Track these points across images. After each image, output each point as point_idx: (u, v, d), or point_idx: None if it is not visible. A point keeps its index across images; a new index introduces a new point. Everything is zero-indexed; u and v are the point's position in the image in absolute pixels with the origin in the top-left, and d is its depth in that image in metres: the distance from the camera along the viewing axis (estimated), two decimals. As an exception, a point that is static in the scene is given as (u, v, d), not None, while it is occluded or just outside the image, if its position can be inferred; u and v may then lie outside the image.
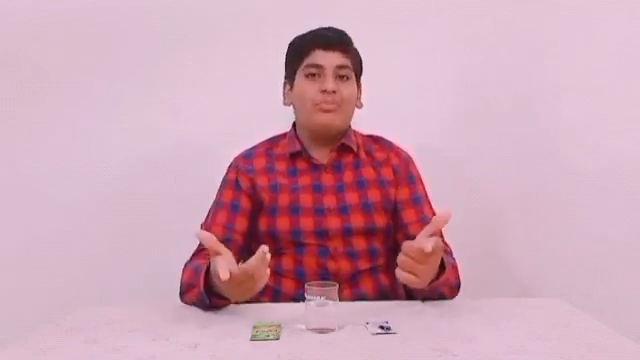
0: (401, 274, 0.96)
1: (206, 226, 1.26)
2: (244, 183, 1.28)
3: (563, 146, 1.78)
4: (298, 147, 1.28)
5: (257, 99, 1.71)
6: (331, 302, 0.89)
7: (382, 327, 0.90)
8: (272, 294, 1.22)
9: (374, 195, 1.25)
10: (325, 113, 1.23)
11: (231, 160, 1.34)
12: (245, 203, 1.26)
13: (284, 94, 1.33)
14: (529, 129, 1.79)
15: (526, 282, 1.79)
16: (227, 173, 1.32)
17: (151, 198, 1.76)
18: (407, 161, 1.32)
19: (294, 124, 1.34)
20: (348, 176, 1.27)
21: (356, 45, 1.31)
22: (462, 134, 1.81)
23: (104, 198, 1.78)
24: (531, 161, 1.78)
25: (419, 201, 1.28)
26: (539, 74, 1.78)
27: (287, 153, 1.29)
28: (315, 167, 1.28)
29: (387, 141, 1.36)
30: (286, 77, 1.33)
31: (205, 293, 1.02)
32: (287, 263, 1.22)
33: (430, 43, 1.79)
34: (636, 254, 1.75)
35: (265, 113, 1.58)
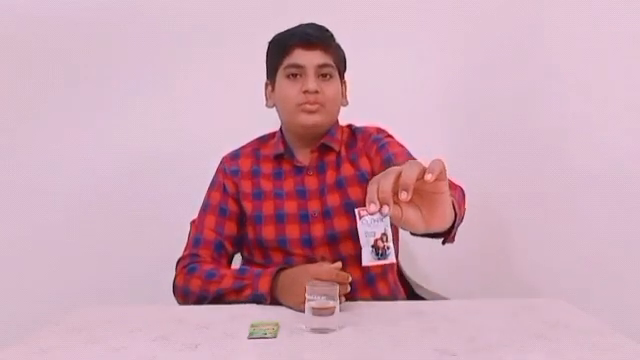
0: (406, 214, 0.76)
1: (197, 228, 1.25)
2: (230, 188, 1.27)
3: (564, 146, 1.78)
4: (281, 149, 1.27)
5: (258, 99, 1.71)
6: (331, 302, 0.89)
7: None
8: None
9: (355, 193, 1.21)
10: (309, 114, 1.20)
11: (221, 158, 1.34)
12: (233, 207, 1.26)
13: (266, 96, 1.31)
14: (531, 128, 1.79)
15: (526, 282, 1.79)
16: (216, 173, 1.32)
17: (152, 198, 1.76)
18: (374, 141, 1.25)
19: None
20: (330, 177, 1.24)
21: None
22: (463, 133, 1.81)
23: (104, 198, 1.78)
24: (532, 161, 1.78)
25: (390, 160, 1.16)
26: (541, 73, 1.79)
27: (272, 155, 1.28)
28: (299, 170, 1.25)
29: (359, 128, 1.32)
30: (267, 78, 1.29)
31: (267, 294, 1.05)
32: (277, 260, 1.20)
33: (431, 42, 1.79)
34: (636, 254, 1.75)
35: (266, 113, 1.58)
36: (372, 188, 0.74)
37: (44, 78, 1.77)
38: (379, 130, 1.30)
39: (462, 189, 1.11)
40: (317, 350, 0.81)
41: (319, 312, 0.88)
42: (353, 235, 1.16)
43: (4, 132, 1.77)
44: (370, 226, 0.75)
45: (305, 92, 1.18)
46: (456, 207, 0.89)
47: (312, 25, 1.23)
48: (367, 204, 0.73)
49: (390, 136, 1.28)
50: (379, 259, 0.75)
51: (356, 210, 0.76)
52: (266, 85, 1.30)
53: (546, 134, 1.78)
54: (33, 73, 1.77)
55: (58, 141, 1.78)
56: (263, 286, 1.05)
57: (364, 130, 1.31)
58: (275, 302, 1.05)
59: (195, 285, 1.14)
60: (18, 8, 1.75)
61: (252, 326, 0.90)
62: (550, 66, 1.77)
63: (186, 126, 1.78)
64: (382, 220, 0.75)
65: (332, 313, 0.89)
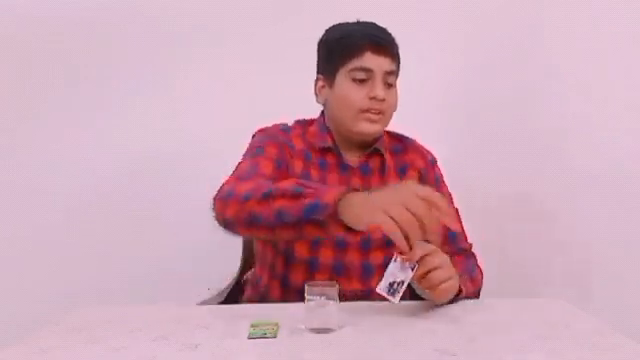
0: (439, 293, 0.95)
1: (251, 166, 1.08)
2: (286, 153, 1.16)
3: (564, 146, 1.78)
4: (329, 143, 1.20)
5: (258, 99, 1.71)
6: (331, 302, 0.88)
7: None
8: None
9: None
10: (371, 123, 1.15)
11: (255, 133, 1.23)
12: (286, 169, 1.14)
13: (317, 91, 1.23)
14: (531, 128, 1.79)
15: (526, 282, 1.79)
16: (268, 133, 1.19)
17: (152, 198, 1.76)
18: (432, 164, 1.28)
19: (322, 112, 1.25)
20: (375, 182, 1.20)
21: None
22: (463, 133, 1.81)
23: (104, 198, 1.78)
24: (532, 161, 1.78)
25: None
26: (542, 73, 1.79)
27: (317, 145, 1.20)
28: (345, 167, 1.20)
29: (411, 141, 1.30)
30: (322, 72, 1.21)
31: (331, 204, 0.83)
32: (296, 278, 1.15)
33: (431, 42, 1.79)
34: (636, 254, 1.75)
35: (267, 113, 1.58)
36: (423, 248, 0.91)
37: (44, 78, 1.77)
38: (427, 151, 1.30)
39: (481, 276, 1.17)
40: (317, 350, 0.81)
41: (319, 312, 0.88)
42: (385, 244, 1.16)
43: (4, 132, 1.77)
44: (397, 270, 0.92)
45: (372, 99, 1.13)
46: (463, 293, 1.03)
47: (377, 27, 1.18)
48: (411, 254, 0.89)
49: (438, 167, 1.29)
50: (387, 294, 0.91)
51: (395, 253, 0.92)
52: (317, 79, 1.23)
53: (546, 134, 1.78)
54: (33, 73, 1.77)
55: (58, 141, 1.78)
56: (329, 196, 0.85)
57: (415, 143, 1.29)
58: (335, 221, 0.85)
59: (243, 188, 0.96)
60: (18, 8, 1.75)
61: (252, 326, 0.90)
62: (550, 66, 1.77)
63: (186, 126, 1.78)
64: (407, 271, 0.91)
65: (332, 313, 0.89)
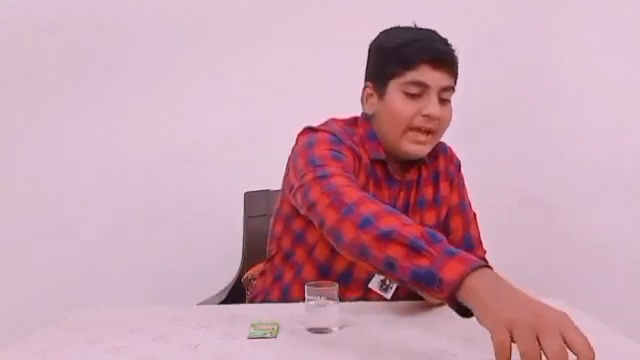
0: None
1: (345, 181, 0.94)
2: (356, 163, 1.06)
3: (564, 146, 1.78)
4: (383, 156, 1.10)
5: (259, 100, 1.71)
6: (331, 302, 0.88)
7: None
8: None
9: (430, 218, 1.16)
10: (418, 145, 1.07)
11: (300, 131, 1.12)
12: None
13: (364, 100, 1.14)
14: (531, 128, 1.79)
15: (526, 282, 1.79)
16: (340, 142, 1.05)
17: (151, 199, 1.76)
18: (459, 168, 1.24)
19: (364, 117, 1.14)
20: (413, 195, 1.16)
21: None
22: (463, 133, 1.81)
23: (104, 199, 1.78)
24: (532, 161, 1.78)
25: (465, 208, 1.22)
26: (543, 74, 1.79)
27: (370, 156, 1.11)
28: (392, 182, 1.13)
29: (443, 145, 1.22)
30: (371, 80, 1.12)
31: (450, 285, 0.69)
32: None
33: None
34: (637, 254, 1.75)
35: (266, 114, 1.59)
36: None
37: (47, 79, 1.77)
38: (454, 153, 1.25)
39: None
40: (317, 350, 0.81)
41: (319, 312, 0.88)
42: None
43: (6, 132, 1.77)
44: None
45: (425, 116, 1.05)
46: None
47: (438, 37, 1.09)
48: None
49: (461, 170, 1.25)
50: (379, 289, 0.96)
51: None
52: (366, 87, 1.14)
53: (546, 134, 1.78)
54: (38, 74, 1.77)
55: (59, 142, 1.78)
56: (451, 270, 0.70)
57: (444, 147, 1.23)
58: (449, 300, 0.71)
59: (365, 209, 0.85)
60: (22, 9, 1.75)
61: (252, 326, 0.90)
62: (551, 66, 1.77)
63: (187, 128, 1.78)
64: None
65: (332, 313, 0.89)
